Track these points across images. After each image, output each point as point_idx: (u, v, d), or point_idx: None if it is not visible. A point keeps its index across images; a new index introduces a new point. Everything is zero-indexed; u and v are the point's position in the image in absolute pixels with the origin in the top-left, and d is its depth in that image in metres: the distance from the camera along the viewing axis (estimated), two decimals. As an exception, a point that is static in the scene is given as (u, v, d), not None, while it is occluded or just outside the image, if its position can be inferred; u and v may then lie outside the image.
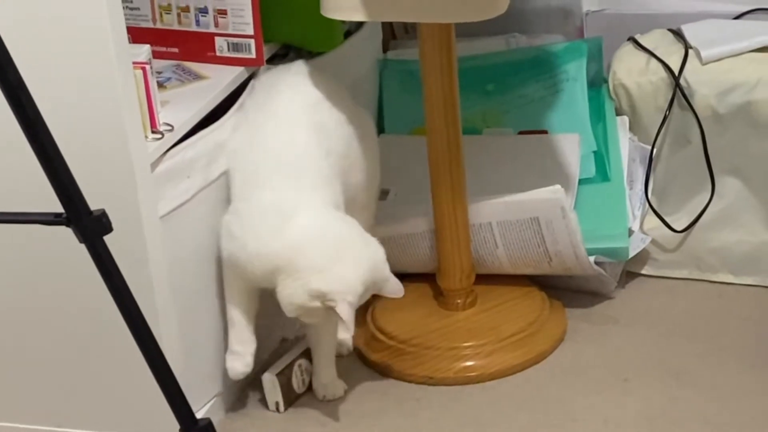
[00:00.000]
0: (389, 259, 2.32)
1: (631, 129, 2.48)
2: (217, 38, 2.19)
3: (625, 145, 2.45)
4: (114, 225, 1.55)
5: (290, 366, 2.17)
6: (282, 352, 2.23)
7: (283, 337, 2.32)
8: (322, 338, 2.16)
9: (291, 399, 2.18)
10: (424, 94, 2.19)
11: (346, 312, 1.97)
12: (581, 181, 2.41)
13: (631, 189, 2.43)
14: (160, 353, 1.63)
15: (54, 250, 1.92)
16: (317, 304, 1.99)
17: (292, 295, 2.00)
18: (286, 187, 2.05)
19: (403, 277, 2.39)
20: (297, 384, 2.19)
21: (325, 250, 2.00)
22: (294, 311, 2.03)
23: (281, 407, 2.16)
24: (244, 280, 2.06)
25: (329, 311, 1.99)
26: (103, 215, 1.53)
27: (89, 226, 1.52)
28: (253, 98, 2.16)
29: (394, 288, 2.10)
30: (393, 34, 2.80)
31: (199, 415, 1.71)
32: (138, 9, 2.22)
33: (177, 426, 1.69)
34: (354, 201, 2.19)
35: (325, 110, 2.14)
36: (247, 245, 2.02)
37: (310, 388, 2.20)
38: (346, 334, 2.07)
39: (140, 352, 1.63)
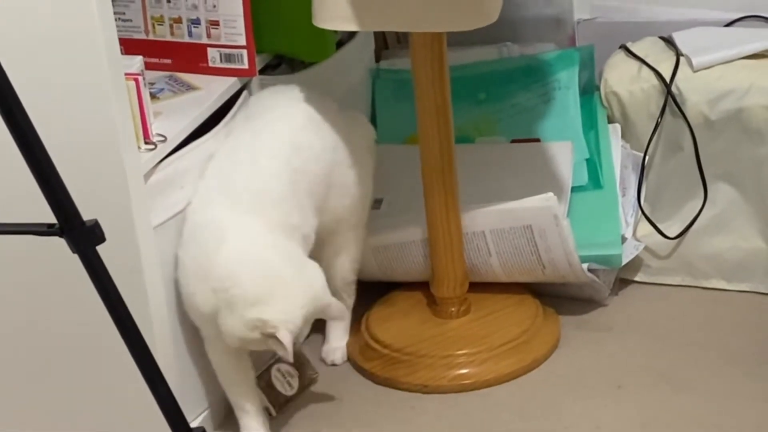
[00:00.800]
0: (383, 268, 2.33)
1: (623, 136, 2.48)
2: (209, 49, 2.20)
3: (617, 152, 2.45)
4: (107, 235, 1.55)
5: (267, 370, 2.17)
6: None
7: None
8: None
9: (280, 402, 2.18)
10: (417, 104, 2.19)
11: (287, 339, 1.94)
12: (574, 189, 2.41)
13: (623, 196, 2.44)
14: (154, 363, 1.63)
15: (47, 261, 1.92)
16: (256, 334, 1.97)
17: (232, 326, 1.98)
18: (226, 205, 2.02)
19: (396, 285, 2.41)
20: (282, 387, 2.18)
21: (259, 278, 1.97)
22: (236, 343, 2.00)
23: (272, 411, 2.16)
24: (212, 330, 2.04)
25: (269, 340, 1.96)
26: (95, 225, 1.53)
27: (82, 236, 1.52)
28: (243, 112, 2.16)
29: (337, 311, 2.08)
30: (385, 43, 2.81)
31: (193, 425, 1.71)
32: (130, 20, 2.23)
33: (171, 435, 1.70)
34: (340, 222, 2.20)
35: (312, 133, 2.12)
36: (185, 265, 2.01)
37: (300, 391, 2.20)
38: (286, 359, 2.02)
39: (134, 362, 1.63)
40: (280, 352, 1.96)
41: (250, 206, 2.02)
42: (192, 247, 2.01)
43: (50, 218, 1.53)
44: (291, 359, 1.97)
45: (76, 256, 1.55)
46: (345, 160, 2.18)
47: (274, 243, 2.02)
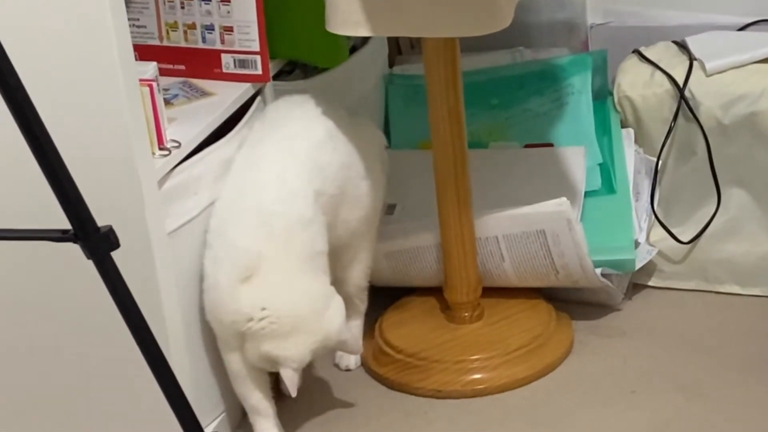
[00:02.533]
0: (396, 273, 2.33)
1: (636, 141, 2.48)
2: (223, 55, 2.20)
3: (630, 157, 2.45)
4: (121, 242, 1.56)
5: None
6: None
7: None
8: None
9: None
10: (430, 109, 2.19)
11: (289, 377, 1.99)
12: (587, 194, 2.41)
13: (637, 201, 2.44)
14: (169, 368, 1.63)
15: (62, 268, 1.93)
16: (265, 364, 2.03)
17: (247, 351, 2.02)
18: (257, 233, 2.01)
19: (410, 290, 2.41)
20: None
21: (283, 317, 2.00)
22: (251, 363, 2.05)
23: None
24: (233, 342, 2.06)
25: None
26: (110, 232, 1.54)
27: (97, 242, 1.53)
28: (260, 126, 2.14)
29: (352, 347, 2.12)
30: (399, 49, 2.82)
31: (207, 431, 1.71)
32: (144, 27, 2.23)
33: (185, 441, 1.70)
34: (354, 233, 2.20)
35: (328, 151, 2.12)
36: (219, 283, 2.02)
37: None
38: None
39: (148, 368, 1.63)
40: (282, 386, 2.03)
41: (282, 235, 2.02)
42: (224, 266, 2.01)
43: (65, 224, 1.53)
44: (293, 394, 2.01)
45: (90, 263, 1.55)
46: (359, 173, 2.18)
47: (303, 279, 2.04)
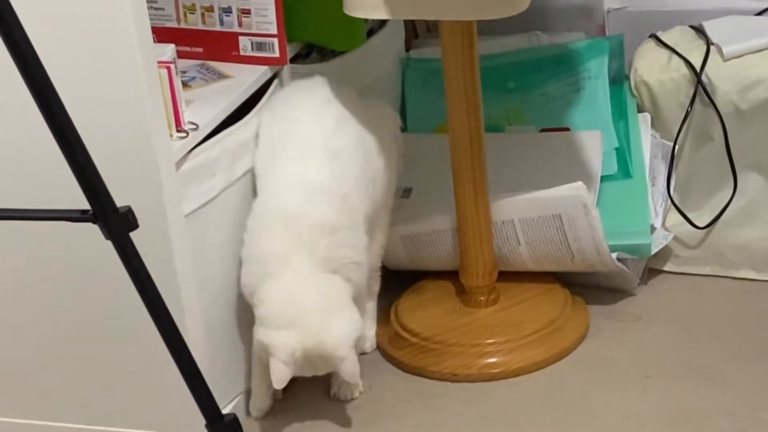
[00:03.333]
0: (412, 257, 2.34)
1: (652, 126, 2.48)
2: (240, 38, 2.20)
3: (647, 141, 2.45)
4: (139, 223, 1.57)
5: None
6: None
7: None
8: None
9: None
10: (447, 93, 2.19)
11: (274, 367, 1.99)
12: (603, 178, 2.41)
13: (653, 186, 2.43)
14: (186, 349, 1.64)
15: (81, 248, 1.94)
16: (261, 350, 2.04)
17: (254, 334, 2.05)
18: (281, 237, 2.03)
19: (426, 274, 2.42)
20: None
21: (288, 309, 2.01)
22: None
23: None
24: None
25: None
26: (129, 212, 1.55)
27: (115, 222, 1.54)
28: (272, 117, 2.15)
29: (347, 373, 2.04)
30: (415, 32, 2.81)
31: (224, 411, 1.72)
32: (162, 9, 2.23)
33: (203, 422, 1.71)
34: (371, 213, 2.19)
35: (343, 136, 2.12)
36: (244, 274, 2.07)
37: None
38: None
39: (166, 348, 1.64)
40: (271, 373, 2.01)
41: (305, 240, 2.03)
42: (251, 262, 2.06)
43: (84, 204, 1.54)
44: (276, 386, 2.01)
45: (109, 243, 1.56)
46: (372, 152, 2.18)
47: (317, 279, 2.04)
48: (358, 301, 2.11)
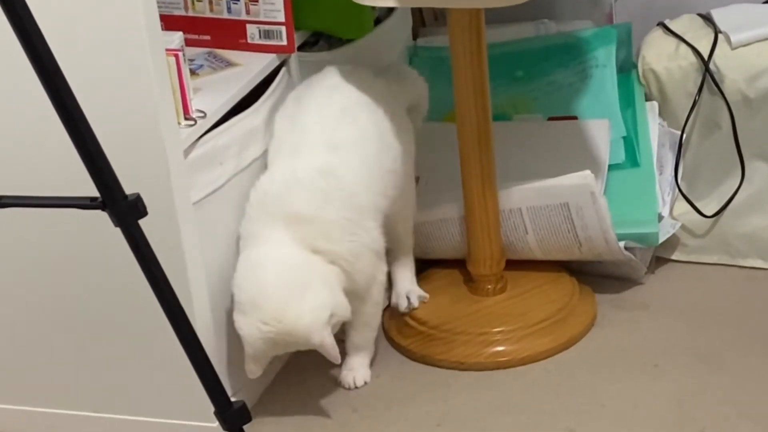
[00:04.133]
0: (420, 245, 2.33)
1: (660, 114, 2.48)
2: (248, 25, 2.20)
3: (654, 130, 2.45)
4: (148, 211, 1.57)
5: None
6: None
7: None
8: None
9: None
10: (454, 81, 2.19)
11: (246, 362, 2.00)
12: (611, 167, 2.41)
13: (660, 174, 2.43)
14: (195, 336, 1.64)
15: (90, 235, 1.94)
16: None
17: None
18: (261, 217, 2.03)
19: (433, 263, 2.42)
20: None
21: (250, 292, 1.98)
22: None
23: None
24: None
25: None
26: (138, 199, 1.55)
27: (124, 210, 1.54)
28: (282, 113, 2.15)
29: (329, 354, 1.99)
30: (422, 21, 2.81)
31: (233, 399, 1.72)
32: (170, -3, 2.24)
33: (212, 409, 1.71)
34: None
35: (347, 128, 2.11)
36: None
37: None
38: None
39: (175, 336, 1.64)
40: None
41: (283, 224, 2.01)
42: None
43: (93, 192, 1.54)
44: (250, 376, 2.00)
45: (118, 230, 1.56)
46: (389, 141, 2.16)
47: (289, 259, 2.00)
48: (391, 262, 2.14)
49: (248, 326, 1.98)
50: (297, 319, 1.96)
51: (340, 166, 2.06)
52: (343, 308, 2.03)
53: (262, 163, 2.13)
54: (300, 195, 2.02)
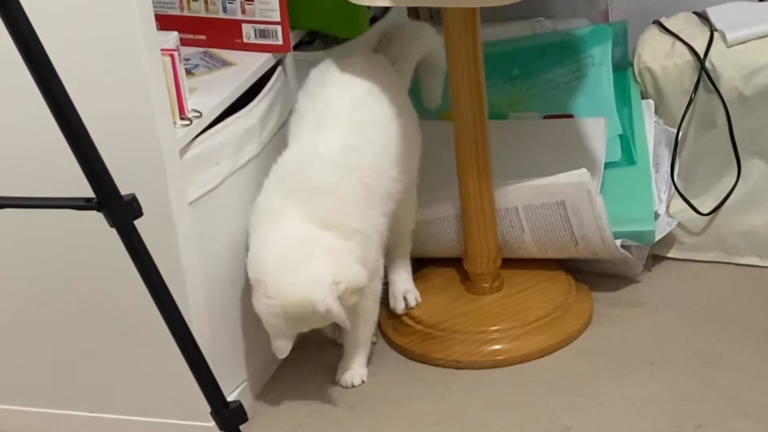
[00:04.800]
0: (416, 244, 2.33)
1: (656, 112, 2.47)
2: (244, 25, 2.20)
3: (650, 128, 2.45)
4: (143, 211, 1.57)
5: None
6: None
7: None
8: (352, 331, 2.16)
9: None
10: (450, 80, 2.19)
11: (271, 342, 2.03)
12: (607, 165, 2.41)
13: (656, 172, 2.43)
14: (191, 337, 1.64)
15: (85, 236, 1.94)
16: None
17: None
18: (277, 190, 2.06)
19: (430, 261, 2.42)
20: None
21: (256, 270, 2.02)
22: None
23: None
24: None
25: None
26: (133, 200, 1.55)
27: (120, 210, 1.54)
28: (305, 89, 2.17)
29: (341, 322, 2.00)
30: (418, 19, 2.80)
31: (229, 399, 1.72)
32: (165, -4, 2.24)
33: (208, 409, 1.71)
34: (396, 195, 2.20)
35: (371, 108, 2.13)
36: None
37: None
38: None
39: (171, 336, 1.64)
40: None
41: (301, 193, 2.04)
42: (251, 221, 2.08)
43: (88, 193, 1.54)
44: (279, 356, 2.04)
45: (113, 231, 1.56)
46: (401, 131, 2.17)
47: (292, 234, 2.02)
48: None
49: (257, 303, 2.01)
50: (296, 288, 1.99)
51: (361, 145, 2.08)
52: (353, 275, 2.03)
53: (258, 162, 2.13)
54: (319, 168, 2.04)
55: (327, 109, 2.11)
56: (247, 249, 2.07)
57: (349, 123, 2.09)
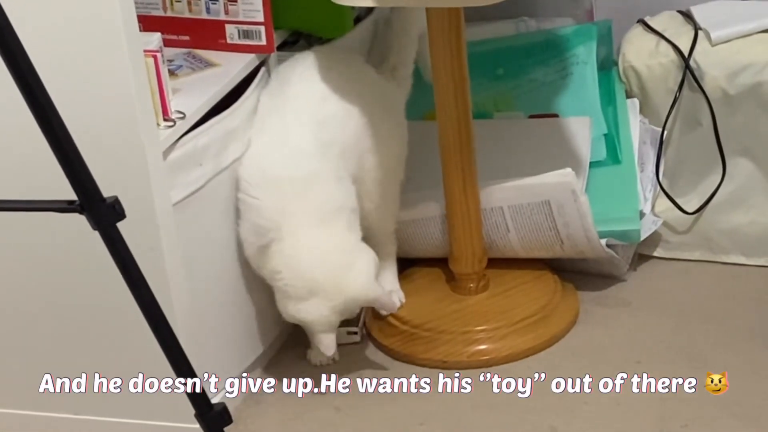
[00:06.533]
0: (401, 244, 2.33)
1: (641, 111, 2.48)
2: (227, 25, 2.19)
3: (635, 127, 2.45)
4: (127, 213, 1.55)
5: None
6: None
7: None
8: None
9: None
10: (434, 80, 2.19)
11: (320, 341, 2.10)
12: (592, 164, 2.41)
13: (642, 171, 2.43)
14: (174, 338, 1.63)
15: (67, 239, 1.93)
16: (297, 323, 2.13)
17: (281, 309, 2.12)
18: (275, 193, 2.07)
19: (415, 262, 2.42)
20: None
21: (296, 282, 2.07)
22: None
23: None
24: None
25: None
26: (116, 202, 1.54)
27: (102, 213, 1.53)
28: (267, 90, 2.18)
29: (385, 304, 2.15)
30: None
31: (214, 401, 1.71)
32: (148, -3, 2.23)
33: (193, 411, 1.70)
34: (378, 180, 2.22)
35: (333, 103, 2.14)
36: (245, 246, 2.11)
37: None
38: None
39: (155, 339, 1.63)
40: (319, 347, 2.12)
41: (296, 195, 2.06)
42: (247, 229, 2.09)
43: (70, 195, 1.53)
44: (329, 353, 2.11)
45: (96, 233, 1.55)
46: (372, 120, 2.19)
47: (322, 239, 2.08)
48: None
49: (315, 309, 2.07)
50: (354, 285, 2.08)
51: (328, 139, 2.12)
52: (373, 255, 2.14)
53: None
54: (301, 160, 2.07)
55: (291, 107, 2.13)
56: (237, 252, 2.10)
57: (311, 121, 2.12)
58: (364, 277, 2.09)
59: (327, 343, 2.10)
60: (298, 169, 2.07)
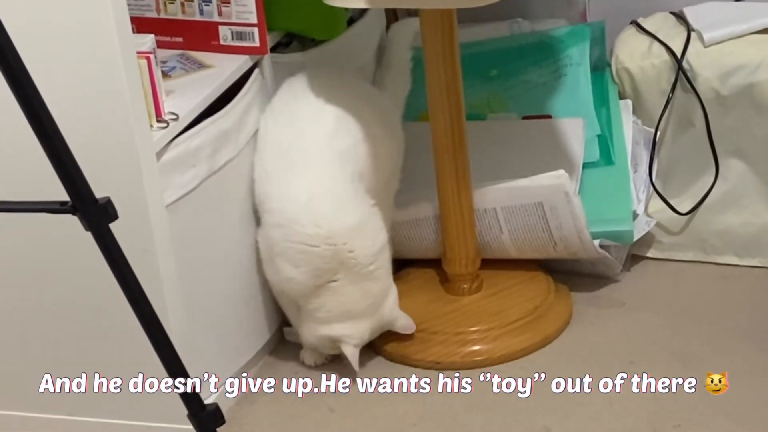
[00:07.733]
0: (395, 245, 2.33)
1: (634, 112, 2.48)
2: (221, 27, 2.19)
3: (628, 128, 2.45)
4: (120, 214, 1.56)
5: None
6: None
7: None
8: None
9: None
10: (427, 81, 2.19)
11: (350, 353, 2.16)
12: (585, 165, 2.41)
13: (635, 172, 2.44)
14: (168, 340, 1.63)
15: (60, 240, 1.93)
16: (326, 344, 2.18)
17: (305, 334, 2.19)
18: (334, 242, 2.10)
19: (409, 263, 2.42)
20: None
21: (347, 311, 2.14)
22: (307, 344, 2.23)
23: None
24: None
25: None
26: (108, 203, 1.54)
27: (95, 214, 1.53)
28: (273, 118, 2.20)
29: (404, 326, 2.23)
30: (396, 20, 2.80)
31: (208, 401, 1.71)
32: (142, -1, 2.23)
33: (185, 412, 1.70)
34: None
35: (344, 135, 2.16)
36: (291, 286, 2.17)
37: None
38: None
39: (148, 341, 1.64)
40: (349, 360, 2.17)
41: (351, 240, 2.11)
42: (305, 270, 2.13)
43: (63, 196, 1.53)
44: (356, 368, 2.16)
45: (89, 234, 1.55)
46: (376, 141, 2.21)
47: (371, 284, 2.16)
48: None
49: (355, 327, 2.15)
50: (383, 305, 2.18)
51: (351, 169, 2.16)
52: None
53: (235, 165, 2.13)
54: (347, 206, 2.13)
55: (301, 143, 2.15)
56: (230, 253, 2.10)
57: (330, 155, 2.14)
58: (395, 302, 2.20)
59: (356, 357, 2.16)
60: (349, 218, 2.11)
